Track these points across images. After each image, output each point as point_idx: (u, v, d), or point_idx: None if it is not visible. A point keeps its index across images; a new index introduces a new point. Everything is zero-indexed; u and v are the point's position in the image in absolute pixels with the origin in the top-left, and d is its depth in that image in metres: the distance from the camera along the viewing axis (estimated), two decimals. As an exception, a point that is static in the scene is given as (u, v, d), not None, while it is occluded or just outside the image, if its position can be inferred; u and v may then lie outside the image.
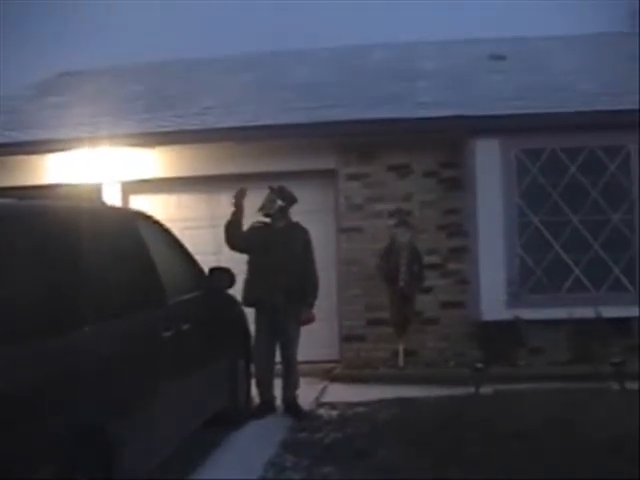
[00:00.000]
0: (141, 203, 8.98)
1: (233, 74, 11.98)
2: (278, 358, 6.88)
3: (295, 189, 7.07)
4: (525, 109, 8.61)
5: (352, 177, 9.05)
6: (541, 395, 6.88)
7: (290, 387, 6.82)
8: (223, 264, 6.41)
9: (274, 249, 6.72)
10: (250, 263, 6.88)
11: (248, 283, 6.81)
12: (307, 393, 7.16)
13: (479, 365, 7.44)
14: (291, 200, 6.91)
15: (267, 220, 6.92)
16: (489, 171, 8.60)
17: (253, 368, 6.82)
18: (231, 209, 6.91)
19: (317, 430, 6.13)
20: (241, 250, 6.93)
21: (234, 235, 6.89)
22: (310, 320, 6.79)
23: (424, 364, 8.56)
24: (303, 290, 6.74)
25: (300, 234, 6.89)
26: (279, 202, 6.83)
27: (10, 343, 3.13)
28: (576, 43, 12.00)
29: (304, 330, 6.84)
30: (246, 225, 6.98)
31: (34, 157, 9.24)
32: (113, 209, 5.61)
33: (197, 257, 6.12)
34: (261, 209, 6.88)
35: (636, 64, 9.38)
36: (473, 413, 6.19)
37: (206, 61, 13.12)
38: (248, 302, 6.81)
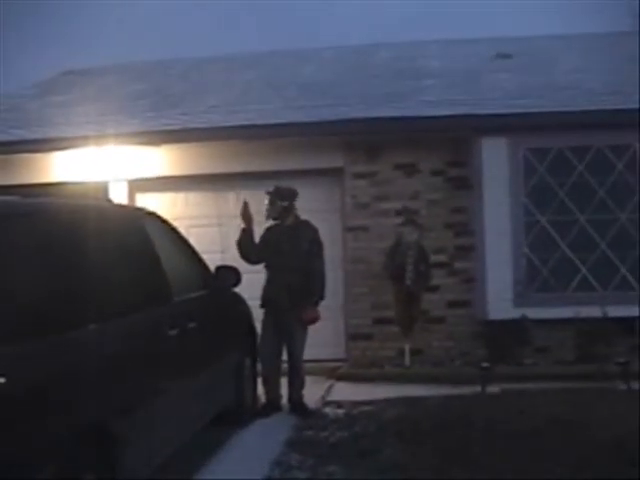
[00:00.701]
0: (147, 201, 8.99)
1: (239, 72, 11.98)
2: (284, 356, 6.86)
3: (301, 187, 7.05)
4: (532, 108, 8.59)
5: (359, 176, 9.03)
6: (547, 394, 6.85)
7: (296, 386, 6.79)
8: (229, 262, 6.41)
9: (281, 248, 6.72)
10: (265, 264, 6.90)
11: (264, 283, 6.86)
12: (313, 392, 7.14)
13: (485, 364, 7.43)
14: (291, 196, 6.86)
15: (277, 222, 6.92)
16: (496, 170, 8.57)
17: (259, 367, 6.81)
18: (238, 207, 6.92)
19: (323, 429, 6.11)
20: (256, 262, 6.92)
21: (246, 250, 6.88)
22: (314, 319, 6.73)
23: (430, 363, 8.53)
24: (309, 289, 6.70)
25: (308, 232, 6.84)
26: (280, 203, 6.80)
27: (15, 341, 3.11)
28: (581, 42, 11.96)
29: (310, 328, 6.81)
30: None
31: (40, 155, 9.24)
32: (119, 207, 5.59)
33: (203, 255, 6.11)
34: (267, 216, 6.86)
35: None
36: (479, 412, 6.17)
37: (211, 59, 13.12)
38: (261, 302, 6.83)
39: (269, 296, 6.76)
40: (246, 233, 6.86)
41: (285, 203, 6.81)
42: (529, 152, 8.65)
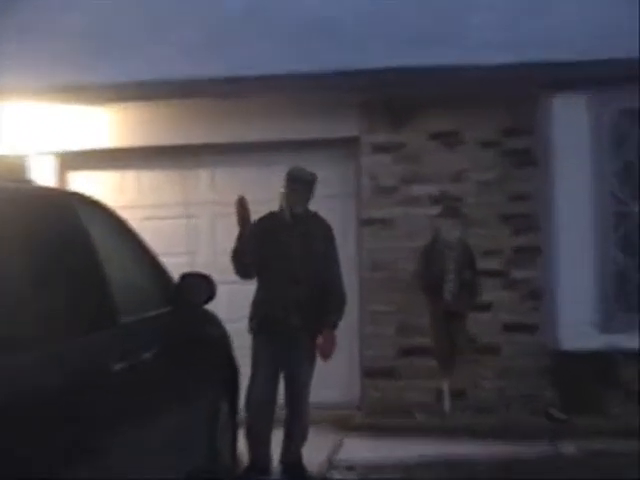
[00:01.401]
0: (84, 182, 9.04)
1: (217, 5, 11.89)
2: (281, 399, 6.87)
3: (301, 165, 7.04)
4: (623, 53, 8.49)
5: (380, 148, 9.10)
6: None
7: (295, 440, 6.84)
8: (200, 268, 6.38)
9: (286, 248, 6.72)
10: (258, 272, 6.86)
11: (259, 297, 6.84)
12: (316, 448, 7.17)
13: (557, 413, 7.41)
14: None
15: (274, 210, 6.91)
16: (572, 140, 8.65)
17: (244, 413, 6.79)
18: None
19: (329, 502, 6.14)
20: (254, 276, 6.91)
21: (243, 263, 6.79)
22: (331, 349, 6.73)
23: (477, 409, 8.61)
24: (325, 305, 6.71)
25: (321, 228, 6.90)
26: (307, 189, 6.82)
27: None
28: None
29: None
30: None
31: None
32: (44, 190, 5.54)
33: (164, 258, 6.07)
34: (295, 208, 6.80)
35: None
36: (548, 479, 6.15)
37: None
38: (256, 324, 6.79)
39: (270, 316, 6.73)
40: (243, 241, 6.74)
41: (311, 187, 6.84)
42: (620, 115, 8.67)
